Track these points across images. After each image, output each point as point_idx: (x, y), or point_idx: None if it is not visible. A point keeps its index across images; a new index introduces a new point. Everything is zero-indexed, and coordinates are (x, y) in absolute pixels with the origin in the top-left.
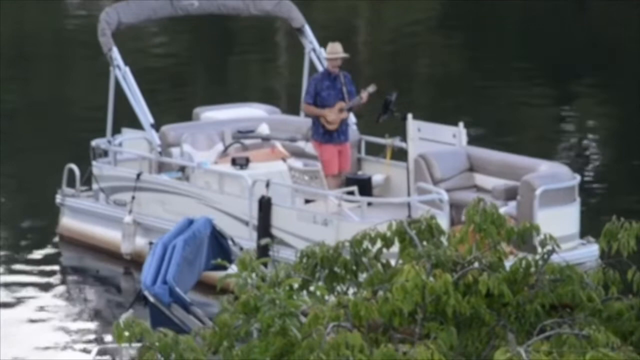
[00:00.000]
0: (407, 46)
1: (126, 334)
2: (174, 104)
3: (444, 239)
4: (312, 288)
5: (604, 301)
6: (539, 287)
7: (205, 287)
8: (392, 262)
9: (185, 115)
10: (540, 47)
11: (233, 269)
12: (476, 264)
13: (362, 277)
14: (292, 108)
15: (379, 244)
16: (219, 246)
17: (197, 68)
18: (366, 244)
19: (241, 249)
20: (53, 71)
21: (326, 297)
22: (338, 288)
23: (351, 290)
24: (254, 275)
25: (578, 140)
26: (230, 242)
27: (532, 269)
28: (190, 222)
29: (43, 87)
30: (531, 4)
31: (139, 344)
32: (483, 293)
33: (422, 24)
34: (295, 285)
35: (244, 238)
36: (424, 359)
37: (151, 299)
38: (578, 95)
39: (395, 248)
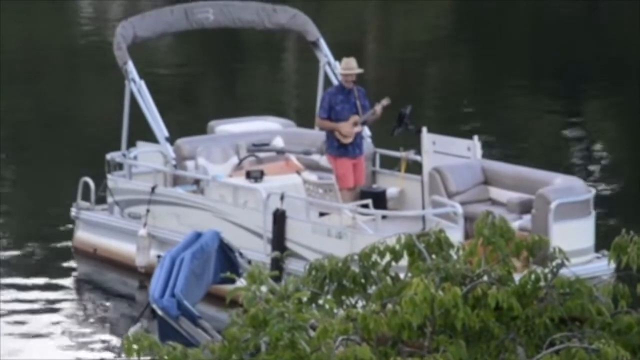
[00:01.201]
0: (416, 58)
1: (135, 347)
2: (182, 117)
3: (452, 252)
4: (321, 301)
5: (613, 315)
6: (548, 300)
7: (213, 299)
8: (401, 276)
9: (193, 129)
10: (550, 56)
11: (241, 282)
12: (485, 278)
13: (371, 290)
14: (300, 119)
15: (387, 257)
16: (226, 259)
17: (206, 80)
18: (375, 257)
19: (249, 262)
20: (64, 83)
21: (335, 311)
22: (347, 301)
23: (360, 304)
24: (263, 288)
25: (591, 152)
26: (237, 255)
27: (542, 283)
28: (198, 235)
29: (54, 100)
30: (541, 12)
31: (148, 358)
32: (492, 306)
33: (431, 35)
34: (304, 299)
35: (259, 251)
36: None
37: (159, 312)
38: (589, 104)
39: (404, 261)
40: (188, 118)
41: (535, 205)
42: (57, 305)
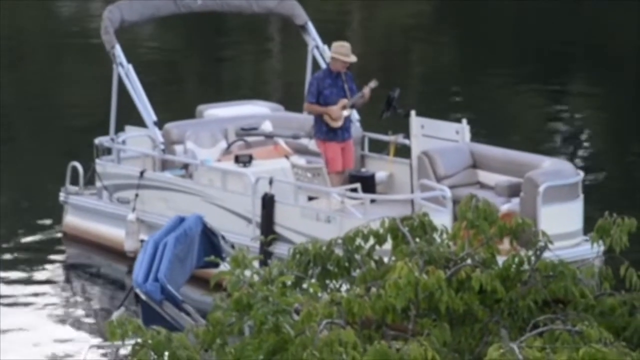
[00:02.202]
0: (400, 44)
1: (119, 331)
2: (168, 101)
3: (436, 236)
4: (305, 285)
5: (596, 297)
6: (531, 283)
7: (197, 282)
8: (385, 259)
9: (176, 113)
10: (534, 43)
11: (225, 266)
12: (469, 261)
13: (355, 274)
14: (286, 103)
15: (371, 240)
16: (209, 244)
17: (189, 65)
18: (359, 240)
19: (232, 246)
20: (46, 68)
21: (319, 294)
22: (331, 285)
23: (344, 287)
24: (247, 272)
25: (576, 137)
26: (221, 239)
27: (525, 266)
28: (181, 219)
29: (37, 85)
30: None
31: (132, 342)
32: (476, 289)
33: (414, 21)
34: (288, 283)
35: (247, 235)
36: (417, 356)
37: (143, 296)
38: (573, 91)
39: (388, 245)
40: (170, 102)
41: (523, 189)
42: (45, 290)
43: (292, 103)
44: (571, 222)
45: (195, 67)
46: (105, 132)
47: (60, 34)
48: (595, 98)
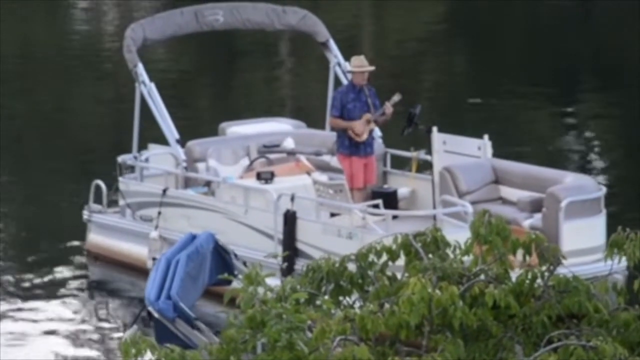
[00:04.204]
0: (412, 55)
1: (133, 350)
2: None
3: (449, 251)
4: (318, 302)
5: (611, 312)
6: (545, 298)
7: (211, 297)
8: (398, 276)
9: (193, 132)
10: (546, 53)
11: (237, 283)
12: (482, 276)
13: (369, 290)
14: (302, 120)
15: (384, 257)
16: (222, 261)
17: (201, 83)
18: (372, 257)
19: (244, 263)
20: (59, 87)
21: (332, 311)
22: (344, 302)
23: (357, 304)
24: (260, 289)
25: (594, 151)
26: (233, 257)
27: (539, 281)
28: (193, 237)
29: (51, 104)
30: (536, 10)
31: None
32: (489, 305)
33: (426, 32)
34: (302, 300)
35: (270, 252)
36: None
37: (155, 314)
38: (584, 101)
39: (401, 261)
40: (185, 121)
41: (545, 204)
42: (68, 307)
43: (307, 120)
44: (594, 237)
45: (207, 86)
46: (116, 152)
47: (74, 53)
48: (607, 108)
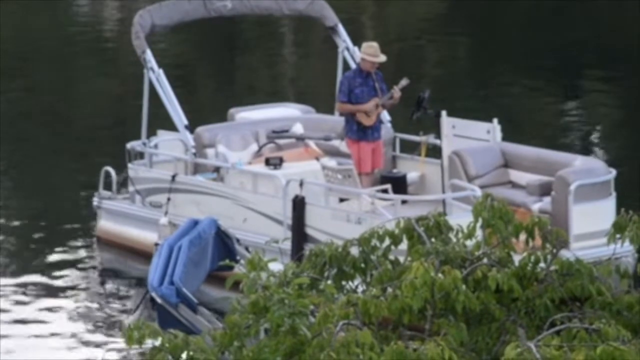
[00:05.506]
0: (413, 45)
1: (136, 335)
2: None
3: (452, 235)
4: (321, 287)
5: (614, 295)
6: (548, 281)
7: (214, 281)
8: (401, 260)
9: (199, 119)
10: (546, 41)
11: (239, 268)
12: (485, 260)
13: (372, 274)
14: (309, 104)
15: (387, 241)
16: (224, 246)
17: (203, 70)
18: (374, 241)
19: (247, 248)
20: (59, 75)
21: (335, 296)
22: (347, 286)
23: (360, 289)
24: (263, 274)
25: (597, 135)
26: (235, 242)
27: (541, 264)
28: (195, 222)
29: (51, 92)
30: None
31: (149, 345)
32: (492, 288)
33: (426, 22)
34: (304, 285)
35: (279, 238)
36: (434, 356)
37: (159, 300)
38: (586, 89)
39: (404, 245)
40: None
41: (555, 187)
42: (78, 295)
43: (313, 105)
44: (603, 220)
45: (210, 73)
46: (124, 138)
47: (75, 39)
48: (608, 95)
